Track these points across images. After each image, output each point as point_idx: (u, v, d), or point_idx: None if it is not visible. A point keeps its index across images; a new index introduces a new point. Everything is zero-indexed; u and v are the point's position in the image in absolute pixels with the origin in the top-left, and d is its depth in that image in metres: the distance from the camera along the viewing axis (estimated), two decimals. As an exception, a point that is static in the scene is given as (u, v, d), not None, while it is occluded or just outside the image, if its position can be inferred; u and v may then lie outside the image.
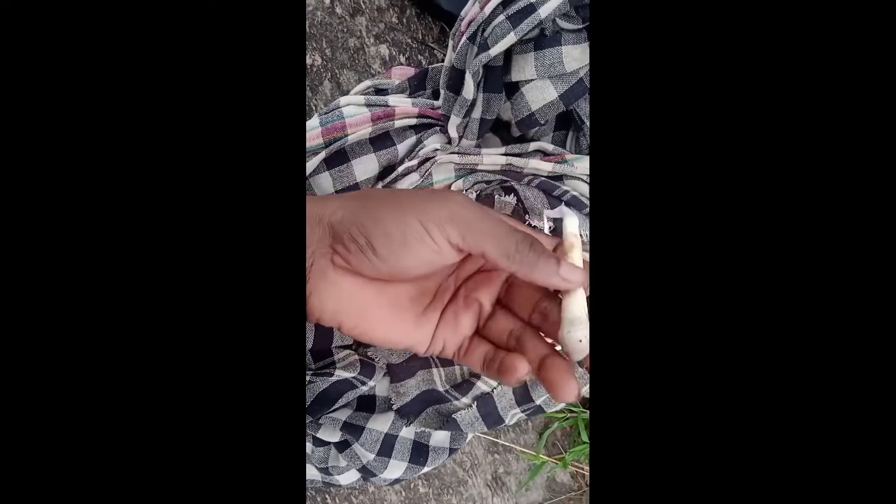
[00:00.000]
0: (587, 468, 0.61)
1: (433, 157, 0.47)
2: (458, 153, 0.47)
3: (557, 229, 0.36)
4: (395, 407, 0.50)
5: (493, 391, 0.50)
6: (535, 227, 0.47)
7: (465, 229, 0.22)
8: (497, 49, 0.40)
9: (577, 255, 0.23)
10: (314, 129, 0.45)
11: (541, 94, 0.44)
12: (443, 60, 0.47)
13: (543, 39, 0.42)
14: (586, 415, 0.58)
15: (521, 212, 0.47)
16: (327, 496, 0.56)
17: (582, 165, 0.48)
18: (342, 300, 0.23)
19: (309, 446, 0.50)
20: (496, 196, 0.48)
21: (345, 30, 0.51)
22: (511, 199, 0.48)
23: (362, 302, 0.24)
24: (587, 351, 0.21)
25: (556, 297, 0.24)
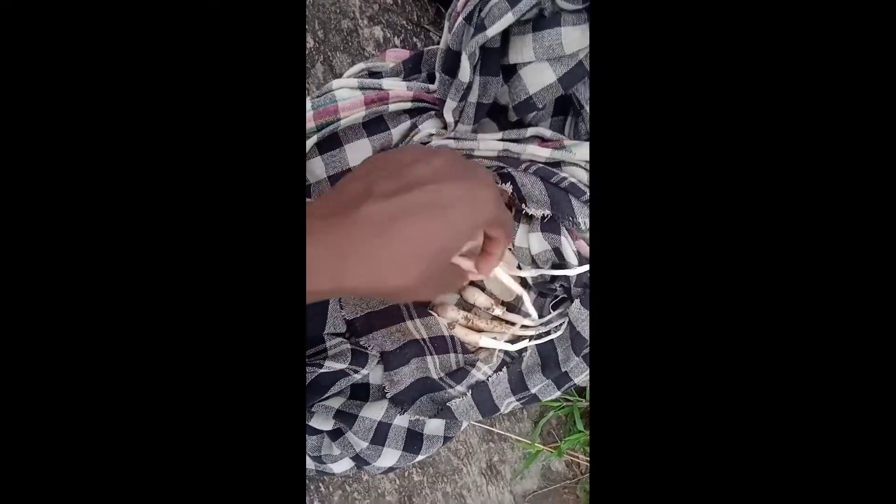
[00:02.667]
0: (582, 457, 0.60)
1: (428, 143, 0.46)
2: (453, 138, 0.46)
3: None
4: (388, 395, 0.49)
5: (488, 379, 0.49)
6: (531, 215, 0.46)
7: None
8: (494, 30, 0.39)
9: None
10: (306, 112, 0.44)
11: (539, 76, 0.43)
12: (438, 43, 0.45)
13: (542, 20, 0.41)
14: (582, 404, 0.58)
15: (517, 200, 0.46)
16: (321, 484, 0.56)
17: (581, 152, 0.47)
18: None
19: (302, 435, 0.49)
20: (492, 182, 0.47)
21: (337, 11, 0.49)
22: (507, 186, 0.47)
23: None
24: None
25: None
